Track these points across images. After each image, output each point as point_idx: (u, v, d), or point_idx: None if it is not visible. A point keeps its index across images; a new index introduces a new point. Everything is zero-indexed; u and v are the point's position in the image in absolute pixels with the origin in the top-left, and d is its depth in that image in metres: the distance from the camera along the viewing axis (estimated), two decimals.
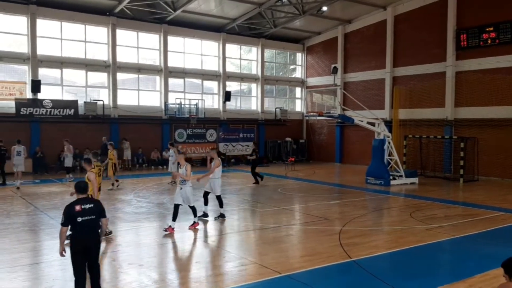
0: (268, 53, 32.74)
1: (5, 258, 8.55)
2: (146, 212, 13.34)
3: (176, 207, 10.80)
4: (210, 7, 26.70)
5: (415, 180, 20.59)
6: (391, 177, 19.74)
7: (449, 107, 23.96)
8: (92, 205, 6.20)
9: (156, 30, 26.99)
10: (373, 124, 20.46)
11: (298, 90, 34.36)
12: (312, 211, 13.51)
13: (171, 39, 27.68)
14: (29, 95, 22.88)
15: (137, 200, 15.26)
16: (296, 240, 10.47)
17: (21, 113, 22.33)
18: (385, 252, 9.25)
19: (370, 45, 28.43)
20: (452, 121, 23.88)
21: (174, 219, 10.67)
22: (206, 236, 10.83)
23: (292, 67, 34.45)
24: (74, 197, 9.92)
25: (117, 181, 17.85)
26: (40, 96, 23.06)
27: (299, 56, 33.93)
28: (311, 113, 22.09)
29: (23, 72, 23.46)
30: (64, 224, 6.11)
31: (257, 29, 30.10)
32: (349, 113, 21.67)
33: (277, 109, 32.11)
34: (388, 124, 24.42)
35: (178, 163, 11.25)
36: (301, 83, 33.81)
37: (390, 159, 20.56)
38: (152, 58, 27.71)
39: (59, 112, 23.38)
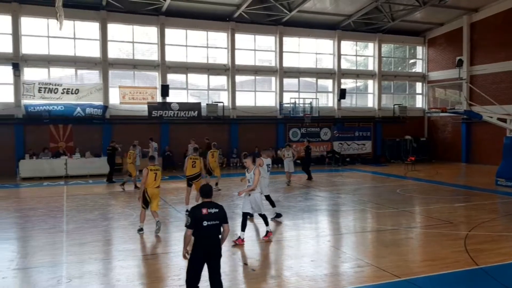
0: (386, 47, 31.62)
1: (140, 247, 9.52)
2: None
3: (245, 215, 10.03)
4: (325, 5, 26.66)
5: None
6: None
7: None
8: (217, 210, 5.98)
9: (272, 32, 27.67)
10: (504, 121, 18.87)
11: (418, 86, 32.65)
12: (434, 214, 12.80)
13: (286, 40, 28.17)
14: (159, 99, 25.08)
15: None
16: (416, 244, 10.03)
17: (153, 115, 24.58)
18: None
19: (500, 35, 25.97)
20: None
21: (243, 228, 9.83)
22: (320, 235, 10.89)
23: (411, 61, 32.83)
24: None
25: (216, 184, 17.36)
26: (168, 99, 25.15)
27: (419, 50, 32.22)
28: (434, 110, 21.13)
29: (154, 78, 25.80)
30: (189, 226, 5.90)
31: (374, 24, 29.24)
32: (477, 108, 20.17)
33: (395, 106, 30.83)
34: None
35: (247, 168, 10.18)
36: (422, 77, 32.06)
37: None
38: (268, 59, 28.47)
39: (185, 114, 25.22)
